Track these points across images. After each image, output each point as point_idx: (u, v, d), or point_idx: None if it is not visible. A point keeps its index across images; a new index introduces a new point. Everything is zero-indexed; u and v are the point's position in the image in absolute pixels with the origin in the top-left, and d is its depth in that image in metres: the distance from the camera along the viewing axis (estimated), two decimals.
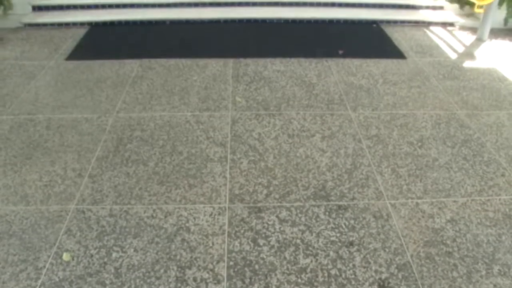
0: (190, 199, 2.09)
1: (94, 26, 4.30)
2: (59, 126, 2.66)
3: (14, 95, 3.03)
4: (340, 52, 3.73)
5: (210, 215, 2.00)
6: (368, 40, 4.10)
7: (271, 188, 2.17)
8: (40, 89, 3.12)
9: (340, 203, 2.09)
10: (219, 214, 2.01)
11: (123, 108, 2.86)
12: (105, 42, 3.99)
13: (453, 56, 3.82)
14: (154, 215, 2.00)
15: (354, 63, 3.55)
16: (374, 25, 4.39)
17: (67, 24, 4.32)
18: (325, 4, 4.62)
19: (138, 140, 2.52)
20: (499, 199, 2.14)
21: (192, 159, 2.37)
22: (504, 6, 4.23)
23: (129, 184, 2.18)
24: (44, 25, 4.32)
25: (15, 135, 2.58)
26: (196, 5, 4.57)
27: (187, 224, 1.95)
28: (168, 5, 4.57)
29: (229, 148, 2.46)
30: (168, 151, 2.43)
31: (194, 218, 1.98)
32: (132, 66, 3.44)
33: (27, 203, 2.06)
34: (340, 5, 4.63)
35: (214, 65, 3.46)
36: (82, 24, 4.32)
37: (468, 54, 3.89)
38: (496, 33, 4.31)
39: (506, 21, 4.34)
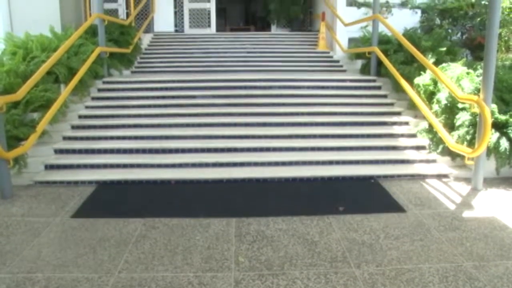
0: None
1: (102, 185, 4.63)
2: (58, 286, 2.71)
3: (16, 252, 3.16)
4: (341, 208, 3.96)
5: None
6: (367, 195, 4.37)
7: None
8: (43, 246, 3.25)
9: None
10: None
11: (125, 268, 2.95)
12: (111, 200, 4.27)
13: (451, 207, 4.04)
14: None
15: (355, 219, 3.74)
16: (372, 180, 4.72)
17: (75, 182, 4.67)
18: (323, 163, 5.03)
19: None
20: None
21: None
22: (492, 156, 4.63)
23: None
24: (54, 183, 4.69)
25: None
26: (200, 165, 4.97)
27: None
28: (173, 166, 4.97)
29: None
30: None
31: None
32: (136, 225, 3.63)
33: None
34: (338, 162, 5.03)
35: (217, 224, 3.65)
36: (90, 182, 4.67)
37: (466, 204, 4.12)
38: (490, 182, 4.63)
39: (497, 170, 4.69)
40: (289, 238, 3.40)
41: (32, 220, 3.74)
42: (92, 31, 7.04)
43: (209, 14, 11.24)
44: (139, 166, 4.98)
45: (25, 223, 3.69)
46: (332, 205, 4.05)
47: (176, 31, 11.08)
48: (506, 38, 7.78)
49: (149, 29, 10.22)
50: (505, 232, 3.47)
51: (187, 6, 11.15)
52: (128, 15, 10.23)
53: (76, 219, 3.78)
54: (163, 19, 10.81)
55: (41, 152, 5.06)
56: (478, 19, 8.66)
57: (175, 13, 11.13)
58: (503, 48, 7.75)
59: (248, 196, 4.34)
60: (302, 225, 3.62)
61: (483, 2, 8.66)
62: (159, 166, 4.97)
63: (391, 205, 4.07)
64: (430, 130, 5.26)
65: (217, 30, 11.48)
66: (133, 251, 3.18)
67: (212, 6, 11.20)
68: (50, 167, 4.96)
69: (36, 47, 6.11)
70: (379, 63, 6.92)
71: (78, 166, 4.98)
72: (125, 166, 4.98)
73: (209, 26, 11.24)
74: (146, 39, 9.65)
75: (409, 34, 7.10)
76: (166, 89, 6.64)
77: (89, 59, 6.19)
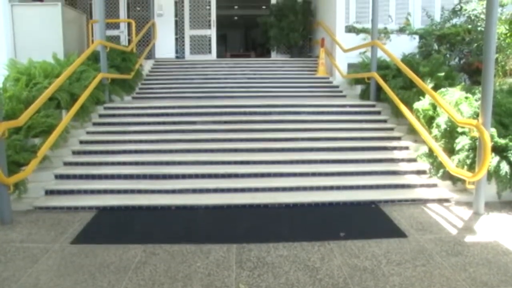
0: None
1: (102, 210, 4.64)
2: None
3: (14, 280, 3.14)
4: (342, 234, 3.95)
5: None
6: (368, 221, 4.37)
7: None
8: (42, 273, 3.24)
9: None
10: None
11: None
12: (111, 226, 4.27)
13: (453, 231, 4.04)
14: None
15: (356, 245, 3.72)
16: (373, 206, 4.73)
17: (76, 208, 4.67)
18: (324, 188, 5.03)
19: None
20: None
21: None
22: (493, 180, 4.64)
23: None
24: (54, 208, 4.69)
25: None
26: (200, 191, 4.97)
27: None
28: (173, 191, 4.97)
29: None
30: None
31: None
32: (136, 251, 3.62)
33: None
34: (338, 188, 5.04)
35: (217, 250, 3.63)
36: (90, 208, 4.67)
37: (468, 228, 4.12)
38: (491, 206, 4.63)
39: (499, 194, 4.70)
40: (290, 264, 3.38)
41: (31, 246, 3.73)
42: (94, 57, 7.16)
43: (209, 40, 11.46)
44: (139, 191, 4.99)
45: (24, 249, 3.68)
46: (333, 230, 4.05)
47: (177, 57, 11.27)
48: (503, 63, 7.90)
49: (150, 55, 10.39)
50: (508, 257, 3.46)
51: (188, 33, 11.38)
52: (130, 41, 10.43)
53: (76, 245, 3.77)
54: (164, 45, 11.01)
55: (41, 177, 5.08)
56: (475, 44, 8.81)
57: (176, 39, 11.35)
58: (500, 73, 7.86)
59: (249, 222, 4.33)
60: (303, 251, 3.60)
61: (479, 28, 8.83)
62: (160, 191, 4.98)
63: (392, 230, 4.07)
64: (430, 154, 5.29)
65: (218, 56, 11.68)
66: (133, 278, 3.17)
67: (212, 33, 11.43)
68: (50, 192, 4.97)
69: (39, 73, 6.22)
70: (379, 88, 7.01)
71: (79, 192, 4.99)
72: (125, 191, 4.99)
73: (210, 52, 11.44)
74: (147, 65, 9.80)
75: (408, 60, 7.23)
76: (167, 115, 6.71)
77: (91, 85, 6.28)
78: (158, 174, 5.25)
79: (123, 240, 3.87)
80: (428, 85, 5.85)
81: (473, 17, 9.21)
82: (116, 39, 10.58)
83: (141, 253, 3.58)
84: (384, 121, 6.67)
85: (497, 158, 4.63)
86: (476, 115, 4.83)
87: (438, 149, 5.01)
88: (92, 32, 9.70)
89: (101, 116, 6.74)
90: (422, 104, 5.73)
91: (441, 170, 5.05)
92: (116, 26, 11.10)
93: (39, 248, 3.69)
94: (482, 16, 8.52)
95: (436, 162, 5.14)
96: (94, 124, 6.52)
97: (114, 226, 4.26)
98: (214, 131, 6.28)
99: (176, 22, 11.34)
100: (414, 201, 4.83)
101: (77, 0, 11.23)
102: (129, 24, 10.82)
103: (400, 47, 8.53)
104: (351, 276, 3.19)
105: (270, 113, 6.76)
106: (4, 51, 7.28)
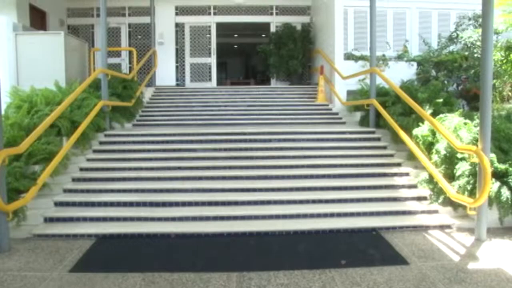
0: None
1: (101, 238, 4.61)
2: None
3: None
4: (343, 262, 3.92)
5: None
6: (369, 248, 4.32)
7: None
8: None
9: None
10: None
11: None
12: (110, 254, 4.24)
13: (455, 258, 4.01)
14: None
15: (357, 272, 3.69)
16: (374, 232, 4.71)
17: (75, 236, 4.66)
18: (325, 215, 5.03)
19: None
20: None
21: None
22: (495, 206, 4.63)
23: None
24: (53, 236, 4.67)
25: None
26: (200, 218, 4.96)
27: None
28: (173, 219, 4.96)
29: None
30: None
31: None
32: (135, 280, 3.59)
33: None
34: (339, 215, 5.03)
35: (217, 279, 3.60)
36: (89, 236, 4.65)
37: (470, 255, 4.09)
38: (493, 232, 4.62)
39: (501, 220, 4.68)
40: None
41: (29, 275, 3.70)
42: (95, 85, 7.26)
43: (210, 68, 11.66)
44: (139, 219, 4.98)
45: (21, 278, 3.65)
46: (334, 258, 4.03)
47: (177, 85, 11.44)
48: (500, 89, 8.01)
49: (151, 83, 10.54)
50: None
51: (188, 60, 11.59)
52: (131, 69, 10.60)
53: (74, 273, 3.74)
54: (165, 73, 11.19)
55: (40, 205, 5.09)
56: (472, 71, 8.96)
57: (177, 67, 11.56)
58: (498, 99, 7.96)
59: (249, 250, 4.31)
60: (304, 280, 3.57)
61: (476, 55, 8.98)
62: (159, 219, 4.97)
63: (394, 258, 4.04)
64: (431, 180, 5.30)
65: (218, 83, 11.87)
66: None
67: (213, 61, 11.64)
68: (49, 219, 4.96)
69: (41, 101, 6.30)
70: (378, 115, 7.09)
71: (78, 219, 4.98)
72: (125, 219, 4.98)
73: (210, 80, 11.62)
74: (148, 93, 9.92)
75: (406, 86, 7.33)
76: (167, 142, 6.76)
77: (92, 113, 6.35)
78: (158, 202, 5.24)
79: (122, 268, 3.84)
80: (427, 111, 5.92)
81: (469, 44, 9.39)
82: (117, 67, 10.77)
83: (141, 282, 3.55)
84: (384, 147, 6.71)
85: (498, 183, 4.64)
86: (475, 141, 4.86)
87: (438, 175, 5.03)
88: (94, 60, 9.87)
89: (101, 143, 6.78)
90: (422, 130, 5.78)
91: (442, 196, 5.05)
92: (118, 54, 11.32)
93: (36, 276, 3.66)
94: (478, 43, 8.68)
95: (437, 188, 5.15)
96: (95, 151, 6.55)
97: (113, 254, 4.24)
98: (214, 158, 6.31)
99: (176, 50, 11.57)
100: (415, 227, 4.82)
101: (79, 28, 11.48)
102: (130, 52, 11.05)
103: (398, 74, 8.69)
104: None
105: (270, 140, 6.81)
106: (7, 79, 7.39)
